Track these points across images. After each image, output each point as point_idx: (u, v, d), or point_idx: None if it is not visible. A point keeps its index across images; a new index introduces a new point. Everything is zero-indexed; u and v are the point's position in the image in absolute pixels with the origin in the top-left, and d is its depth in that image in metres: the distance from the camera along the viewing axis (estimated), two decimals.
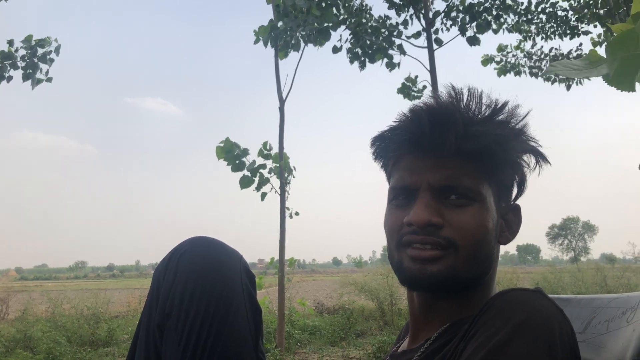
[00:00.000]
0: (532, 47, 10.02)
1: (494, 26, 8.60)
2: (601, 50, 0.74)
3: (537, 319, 0.62)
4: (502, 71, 10.49)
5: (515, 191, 0.86)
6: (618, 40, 0.66)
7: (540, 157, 0.81)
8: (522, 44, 10.07)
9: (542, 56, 10.03)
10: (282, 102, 7.93)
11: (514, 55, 10.37)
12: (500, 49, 10.44)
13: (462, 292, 0.78)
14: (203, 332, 0.92)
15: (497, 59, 10.51)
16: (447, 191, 0.77)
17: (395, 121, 0.82)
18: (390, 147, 0.83)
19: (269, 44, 8.05)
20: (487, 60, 10.57)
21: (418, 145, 0.78)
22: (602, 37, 9.30)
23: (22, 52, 6.82)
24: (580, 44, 9.50)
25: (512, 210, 0.85)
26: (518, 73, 10.43)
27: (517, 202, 0.87)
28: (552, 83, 9.95)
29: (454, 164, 0.77)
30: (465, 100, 0.79)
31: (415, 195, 0.78)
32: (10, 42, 6.78)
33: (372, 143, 0.87)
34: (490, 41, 9.80)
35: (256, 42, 8.10)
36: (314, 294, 20.11)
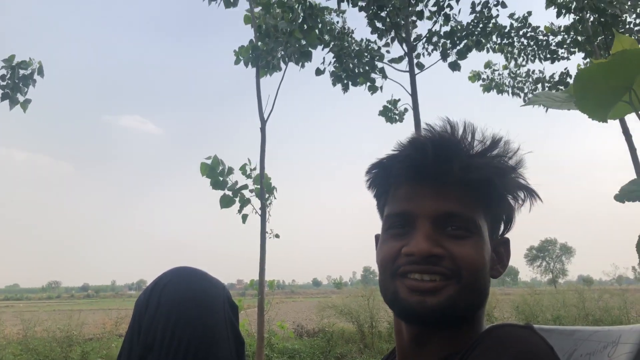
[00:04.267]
0: (516, 67, 10.38)
1: (475, 51, 8.82)
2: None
3: (528, 356, 0.62)
4: (487, 88, 10.88)
5: (502, 226, 0.86)
6: (582, 76, 0.68)
7: (535, 195, 0.82)
8: (509, 63, 10.45)
9: (526, 77, 10.39)
10: (263, 122, 7.93)
11: (499, 74, 10.75)
12: (488, 65, 10.77)
13: (455, 326, 0.77)
14: None
15: (484, 75, 10.87)
16: (446, 221, 0.76)
17: (395, 150, 0.82)
18: (390, 175, 0.82)
19: (250, 64, 8.08)
20: (474, 77, 10.90)
21: (420, 174, 0.78)
22: (587, 65, 9.65)
23: (2, 71, 6.76)
24: (566, 69, 9.85)
25: (503, 244, 0.86)
26: (500, 92, 10.82)
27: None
28: (533, 105, 10.23)
29: (455, 194, 0.77)
30: (461, 133, 0.80)
31: (414, 225, 0.77)
32: None
33: (368, 170, 0.86)
34: (477, 57, 10.17)
35: (237, 62, 8.12)
36: (293, 315, 19.90)
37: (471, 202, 0.78)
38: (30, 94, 7.00)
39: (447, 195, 0.77)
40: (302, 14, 7.93)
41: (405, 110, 9.40)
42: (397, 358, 0.87)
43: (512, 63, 10.38)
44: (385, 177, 0.83)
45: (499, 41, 9.57)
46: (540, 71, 10.27)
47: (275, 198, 7.92)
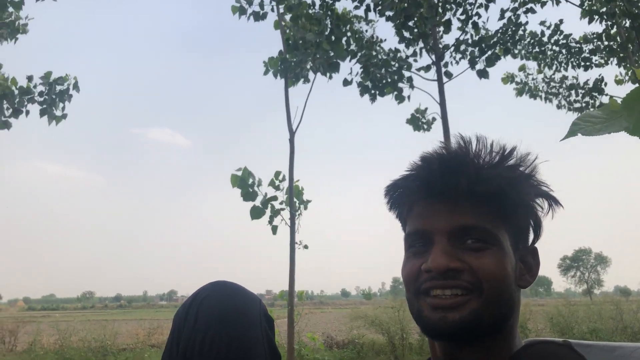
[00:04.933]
0: (553, 72, 10.23)
1: (504, 58, 8.74)
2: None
3: None
4: (520, 92, 10.79)
5: (532, 235, 0.85)
6: (634, 94, 0.67)
7: (553, 201, 0.81)
8: (542, 69, 10.33)
9: (560, 83, 10.25)
10: (292, 134, 7.99)
11: (533, 79, 10.65)
12: (522, 68, 10.68)
13: (486, 339, 0.77)
14: None
15: (518, 79, 10.78)
16: (463, 235, 0.77)
17: (407, 170, 0.83)
18: (403, 195, 0.84)
19: (279, 75, 8.18)
20: (507, 79, 10.83)
21: (430, 191, 0.79)
22: (625, 76, 9.48)
23: (40, 88, 6.99)
24: (601, 75, 9.66)
25: (531, 253, 0.85)
26: (533, 96, 10.70)
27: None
28: (567, 112, 10.14)
29: (468, 207, 0.77)
30: (474, 147, 0.80)
31: (432, 241, 0.78)
32: (30, 78, 6.98)
33: (385, 193, 0.87)
34: (507, 65, 10.08)
35: (266, 73, 8.24)
36: (323, 326, 19.84)
37: (486, 214, 0.77)
38: (65, 108, 7.24)
39: (460, 209, 0.77)
40: (329, 26, 8.00)
41: (434, 119, 9.36)
42: None
43: (546, 69, 10.25)
44: (401, 198, 0.85)
45: (530, 49, 9.48)
46: (574, 77, 10.11)
47: (305, 209, 7.95)
